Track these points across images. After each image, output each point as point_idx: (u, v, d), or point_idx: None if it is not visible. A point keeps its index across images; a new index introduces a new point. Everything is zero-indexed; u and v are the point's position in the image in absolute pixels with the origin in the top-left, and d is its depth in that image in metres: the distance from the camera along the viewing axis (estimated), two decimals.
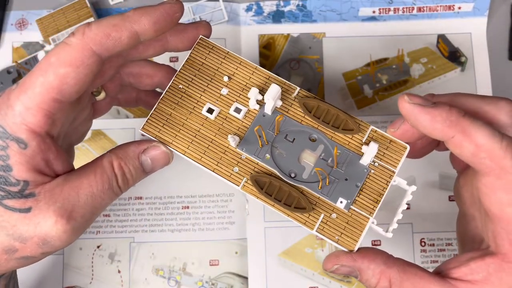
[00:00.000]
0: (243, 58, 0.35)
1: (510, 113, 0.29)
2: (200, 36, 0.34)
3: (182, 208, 0.46)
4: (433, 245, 0.45)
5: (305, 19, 0.49)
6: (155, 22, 0.30)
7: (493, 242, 0.29)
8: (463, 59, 0.48)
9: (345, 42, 0.48)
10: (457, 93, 0.31)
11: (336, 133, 0.33)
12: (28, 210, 0.28)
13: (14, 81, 0.45)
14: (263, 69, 0.34)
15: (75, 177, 0.30)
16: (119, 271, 0.45)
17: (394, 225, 0.32)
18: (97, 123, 0.47)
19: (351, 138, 0.33)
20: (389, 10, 0.49)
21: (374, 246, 0.45)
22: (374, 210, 0.32)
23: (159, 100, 0.34)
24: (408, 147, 0.32)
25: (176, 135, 0.33)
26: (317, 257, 0.45)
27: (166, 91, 0.34)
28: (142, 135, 0.33)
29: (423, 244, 0.45)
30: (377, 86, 0.48)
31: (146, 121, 0.33)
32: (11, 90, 0.28)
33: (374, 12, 0.49)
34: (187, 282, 0.44)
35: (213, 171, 0.33)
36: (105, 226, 0.45)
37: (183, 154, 0.33)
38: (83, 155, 0.46)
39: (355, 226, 0.31)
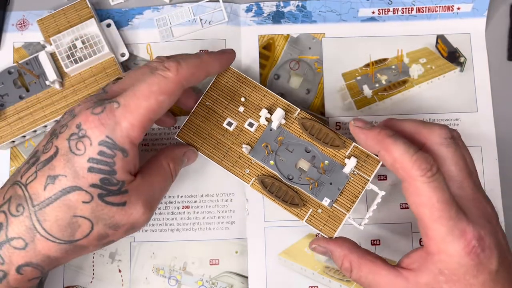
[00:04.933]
0: (257, 83, 0.43)
1: (440, 135, 0.37)
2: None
3: (183, 208, 0.46)
4: None
5: (304, 19, 0.49)
6: (221, 66, 0.42)
7: (422, 237, 0.36)
8: (462, 59, 0.48)
9: (345, 42, 0.49)
10: (407, 119, 0.40)
11: (326, 147, 0.41)
12: (124, 204, 0.35)
13: (15, 81, 0.46)
14: (272, 92, 0.43)
15: (148, 176, 0.38)
16: (119, 271, 0.45)
17: (365, 220, 0.40)
18: None
19: (337, 152, 0.41)
20: (389, 10, 0.49)
21: (369, 246, 0.45)
22: (351, 208, 0.40)
23: (190, 113, 0.43)
24: (381, 162, 0.40)
25: (203, 142, 0.42)
26: (316, 256, 0.45)
27: (196, 106, 0.43)
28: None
29: (422, 243, 0.45)
30: (377, 86, 0.48)
31: (180, 129, 0.42)
32: (114, 108, 0.35)
33: (373, 12, 0.49)
34: (188, 281, 0.45)
35: (230, 171, 0.42)
36: None
37: (208, 157, 0.42)
38: None
39: (335, 219, 0.41)
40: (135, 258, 0.45)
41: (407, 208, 0.45)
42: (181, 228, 0.45)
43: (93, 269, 0.45)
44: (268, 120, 0.42)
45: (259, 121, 0.42)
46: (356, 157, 0.40)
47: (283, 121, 0.42)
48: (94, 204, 0.34)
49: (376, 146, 0.37)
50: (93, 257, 0.45)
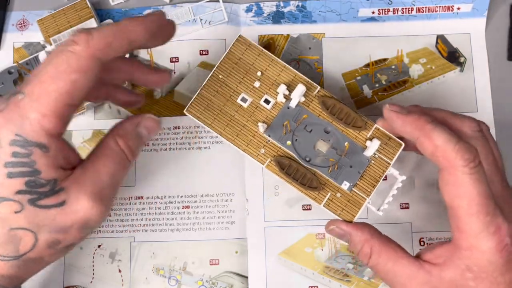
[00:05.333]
0: (275, 57, 0.40)
1: (471, 127, 0.37)
2: (239, 34, 0.41)
3: (183, 208, 0.46)
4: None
5: (304, 19, 0.49)
6: (148, 31, 0.33)
7: (451, 231, 0.34)
8: (462, 59, 0.48)
9: (345, 42, 0.49)
10: (435, 108, 0.39)
11: (347, 128, 0.39)
12: (62, 203, 0.31)
13: (15, 81, 0.46)
14: (290, 67, 0.40)
15: (91, 163, 0.33)
16: (119, 271, 0.45)
17: (385, 206, 0.39)
18: (98, 123, 0.47)
19: (358, 134, 0.39)
20: (389, 10, 0.49)
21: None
22: (371, 193, 0.39)
23: (201, 87, 0.40)
24: (403, 145, 0.39)
25: (215, 118, 0.40)
26: (316, 256, 0.45)
27: (208, 79, 0.40)
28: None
29: (422, 243, 0.45)
30: (377, 86, 0.48)
31: (190, 103, 0.40)
32: (19, 100, 0.30)
33: (373, 12, 0.49)
34: (188, 281, 0.45)
35: (243, 151, 0.39)
36: (106, 226, 0.45)
37: (220, 135, 0.39)
38: (83, 153, 0.46)
39: (354, 204, 0.39)
40: (135, 258, 0.45)
41: (407, 208, 0.45)
42: (181, 228, 0.45)
43: (93, 269, 0.45)
44: (286, 97, 0.39)
45: (276, 98, 0.40)
46: (378, 139, 0.38)
47: (302, 99, 0.39)
48: (27, 212, 0.31)
49: (415, 132, 0.35)
50: (93, 257, 0.45)
